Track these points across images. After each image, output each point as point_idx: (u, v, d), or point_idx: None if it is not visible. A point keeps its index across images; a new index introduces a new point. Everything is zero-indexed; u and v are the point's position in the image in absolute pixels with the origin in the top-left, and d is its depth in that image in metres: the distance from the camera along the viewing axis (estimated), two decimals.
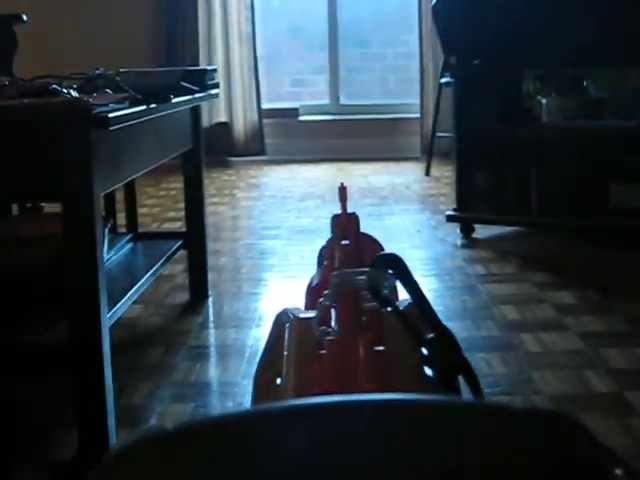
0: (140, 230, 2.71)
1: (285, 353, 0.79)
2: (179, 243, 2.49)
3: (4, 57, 3.03)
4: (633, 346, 2.09)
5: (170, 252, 2.39)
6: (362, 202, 4.10)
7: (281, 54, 6.04)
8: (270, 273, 2.90)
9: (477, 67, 3.26)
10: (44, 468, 1.59)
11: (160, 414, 1.79)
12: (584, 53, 3.06)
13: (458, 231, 3.34)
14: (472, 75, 3.29)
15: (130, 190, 2.70)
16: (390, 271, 0.75)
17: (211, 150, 4.95)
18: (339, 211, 1.17)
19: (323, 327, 0.74)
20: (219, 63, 5.51)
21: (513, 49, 3.14)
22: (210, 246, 2.79)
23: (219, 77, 5.30)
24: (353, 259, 0.98)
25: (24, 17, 3.12)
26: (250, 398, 0.85)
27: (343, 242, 1.03)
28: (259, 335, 2.22)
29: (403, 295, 0.81)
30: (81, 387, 1.56)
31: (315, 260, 1.28)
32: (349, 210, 1.16)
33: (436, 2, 3.34)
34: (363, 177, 4.94)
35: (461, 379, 0.71)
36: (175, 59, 5.44)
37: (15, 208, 2.46)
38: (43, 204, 2.69)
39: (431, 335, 0.70)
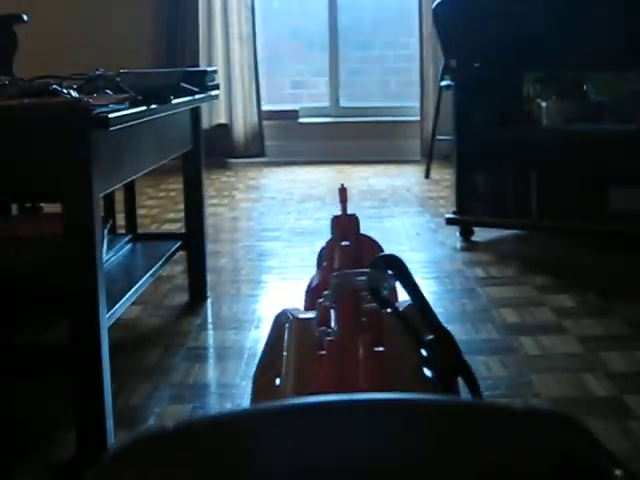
0: (139, 231, 2.71)
1: (284, 353, 0.79)
2: (178, 244, 2.49)
3: (4, 57, 3.03)
4: (633, 349, 2.09)
5: (169, 253, 2.39)
6: (362, 204, 4.10)
7: (281, 56, 6.05)
8: (269, 275, 2.90)
9: (477, 70, 3.26)
10: (43, 468, 1.59)
11: (158, 415, 1.79)
12: (584, 56, 3.06)
13: (458, 234, 3.34)
14: (472, 78, 3.29)
15: (130, 191, 2.70)
16: (390, 272, 0.75)
17: (211, 151, 4.95)
18: (339, 212, 1.17)
19: (323, 328, 0.74)
20: (219, 64, 5.51)
21: (513, 52, 3.15)
22: (209, 247, 2.79)
23: (219, 78, 5.30)
24: (353, 260, 0.98)
25: (24, 17, 3.12)
26: (249, 399, 0.85)
27: (343, 243, 1.03)
28: (258, 337, 2.22)
29: (403, 296, 0.81)
30: (80, 387, 1.55)
31: (314, 262, 1.28)
32: (349, 211, 1.16)
33: (436, 5, 3.34)
34: (363, 179, 4.94)
35: (460, 381, 0.71)
36: (175, 60, 5.44)
37: (15, 208, 2.46)
38: (42, 204, 2.69)
39: (431, 336, 0.70)
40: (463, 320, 2.33)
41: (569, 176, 3.13)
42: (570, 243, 3.22)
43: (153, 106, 1.77)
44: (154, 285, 2.57)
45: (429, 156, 4.97)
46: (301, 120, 5.79)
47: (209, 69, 2.50)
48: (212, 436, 0.44)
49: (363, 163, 5.49)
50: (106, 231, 2.14)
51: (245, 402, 1.83)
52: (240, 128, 5.63)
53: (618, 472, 0.43)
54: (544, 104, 3.28)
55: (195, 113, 2.44)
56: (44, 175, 1.52)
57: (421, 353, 0.70)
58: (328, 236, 1.21)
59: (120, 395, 1.86)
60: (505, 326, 2.28)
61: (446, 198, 4.18)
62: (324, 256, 1.13)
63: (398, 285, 0.77)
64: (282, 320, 0.86)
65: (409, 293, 0.74)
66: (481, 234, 3.33)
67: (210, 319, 2.43)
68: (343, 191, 1.18)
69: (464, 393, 0.71)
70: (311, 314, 0.83)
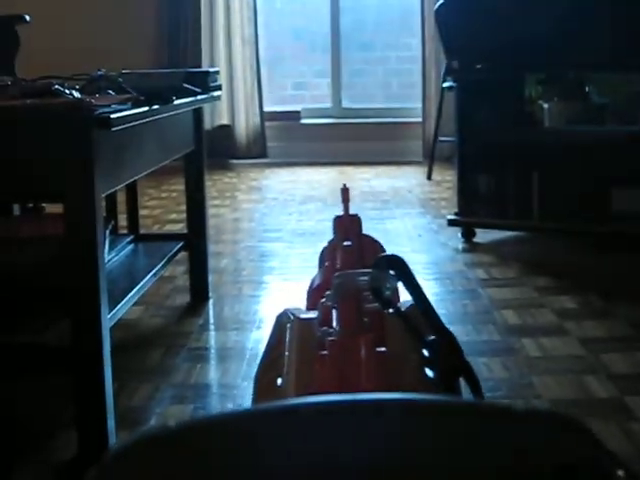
0: (141, 232, 2.71)
1: (286, 353, 0.79)
2: (180, 245, 2.49)
3: (6, 57, 3.04)
4: (634, 351, 2.09)
5: (171, 254, 2.39)
6: (364, 206, 4.10)
7: (284, 57, 6.05)
8: (271, 276, 2.90)
9: (479, 71, 3.26)
10: (44, 468, 1.59)
11: (160, 415, 1.79)
12: (586, 57, 3.06)
13: (459, 235, 3.34)
14: (474, 79, 3.29)
15: (132, 191, 2.70)
16: (392, 272, 0.74)
17: (213, 152, 4.94)
18: (341, 212, 1.17)
19: (325, 328, 0.74)
20: (221, 65, 5.51)
21: (515, 54, 3.15)
22: (211, 248, 2.79)
23: (221, 79, 5.31)
24: (355, 260, 0.97)
25: (27, 17, 3.13)
26: (251, 399, 0.85)
27: (345, 243, 1.03)
28: (259, 337, 2.22)
29: (405, 296, 0.81)
30: (81, 387, 1.55)
31: (316, 263, 1.28)
32: (351, 212, 1.16)
33: (439, 6, 3.34)
34: (365, 181, 4.95)
35: (462, 381, 0.71)
36: (177, 61, 5.45)
37: (17, 208, 2.46)
38: (44, 205, 2.69)
39: (432, 337, 0.70)
40: (464, 321, 2.33)
41: (571, 177, 3.13)
42: (572, 244, 3.22)
43: (155, 107, 1.78)
44: (156, 285, 2.57)
45: (431, 157, 4.97)
46: (303, 121, 5.80)
47: (211, 70, 2.50)
48: (213, 436, 0.44)
49: (365, 164, 5.49)
50: (108, 231, 2.14)
51: (246, 402, 1.83)
52: (242, 129, 5.63)
53: (620, 473, 0.43)
54: (546, 105, 3.28)
55: (197, 114, 2.44)
56: (46, 175, 1.52)
57: (423, 353, 0.70)
58: (330, 237, 1.21)
59: (121, 395, 1.86)
60: (506, 327, 2.28)
61: (448, 199, 4.18)
62: (326, 256, 1.13)
63: (400, 285, 0.77)
64: (284, 320, 0.86)
65: (411, 293, 0.74)
66: (483, 235, 3.33)
67: (212, 320, 2.43)
68: (345, 191, 1.18)
69: (466, 394, 0.71)
70: (313, 314, 0.83)
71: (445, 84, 4.47)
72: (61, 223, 1.53)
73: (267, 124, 5.65)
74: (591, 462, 0.43)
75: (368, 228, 1.24)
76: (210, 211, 3.21)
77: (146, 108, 1.71)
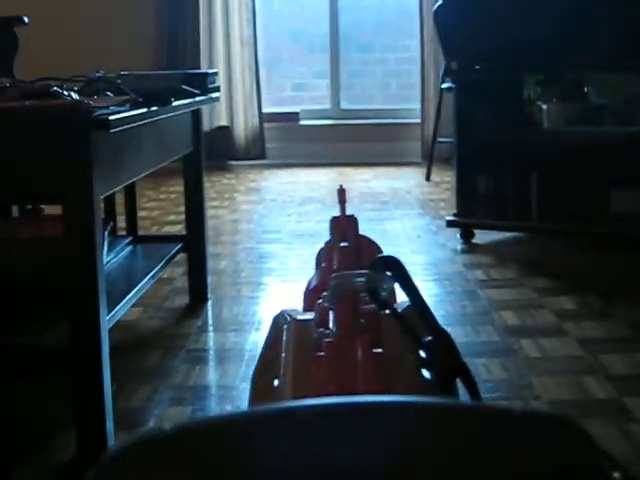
0: (140, 233, 2.71)
1: (283, 355, 0.79)
2: (179, 246, 2.49)
3: (5, 59, 3.03)
4: (633, 352, 2.09)
5: (170, 255, 2.39)
6: (362, 207, 4.10)
7: (282, 58, 6.05)
8: (270, 277, 2.90)
9: (478, 72, 3.26)
10: (43, 469, 1.59)
11: (158, 417, 1.79)
12: (585, 58, 3.06)
13: (458, 236, 3.34)
14: (473, 80, 3.29)
15: (130, 193, 2.70)
16: (389, 273, 0.74)
17: (212, 154, 4.95)
18: (338, 213, 1.17)
19: (321, 329, 0.73)
20: (220, 66, 5.52)
21: (514, 55, 3.15)
22: (210, 250, 2.79)
23: (220, 81, 5.31)
24: (351, 261, 0.97)
25: (25, 19, 3.13)
26: (248, 400, 0.85)
27: (342, 244, 1.03)
28: (258, 339, 2.22)
29: (401, 297, 0.81)
30: (80, 389, 1.55)
31: (314, 264, 1.28)
32: (348, 213, 1.16)
33: (437, 7, 3.34)
34: (364, 182, 4.95)
35: (459, 383, 0.71)
36: (176, 62, 5.45)
37: (15, 210, 2.46)
38: (43, 206, 2.69)
39: (429, 338, 0.70)
40: (463, 322, 2.33)
41: (570, 178, 3.13)
42: (571, 245, 3.22)
43: (154, 108, 1.78)
44: (154, 287, 2.57)
45: (430, 158, 4.97)
46: (302, 122, 5.80)
47: (210, 71, 2.50)
48: (210, 439, 0.44)
49: (364, 165, 5.49)
50: (107, 233, 2.14)
51: (245, 404, 1.83)
52: (241, 130, 5.64)
53: (617, 475, 0.43)
54: (545, 106, 3.28)
55: (196, 115, 2.44)
56: (45, 177, 1.52)
57: (420, 355, 0.70)
58: (327, 238, 1.20)
59: (120, 397, 1.86)
60: (505, 328, 2.28)
61: (447, 200, 4.18)
62: (323, 257, 1.13)
63: (397, 286, 0.77)
64: (280, 321, 0.86)
65: (408, 294, 0.74)
66: (482, 236, 3.33)
67: (210, 321, 2.43)
68: (342, 192, 1.18)
69: (463, 395, 0.71)
70: (310, 315, 0.83)
71: (444, 85, 4.48)
72: (60, 225, 1.53)
73: (266, 125, 5.65)
74: (588, 464, 0.43)
75: (367, 229, 1.25)
76: (209, 212, 3.21)
77: (144, 110, 1.71)
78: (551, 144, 3.20)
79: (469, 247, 3.26)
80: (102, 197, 1.61)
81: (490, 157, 3.27)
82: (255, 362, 0.86)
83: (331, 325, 0.73)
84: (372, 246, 1.20)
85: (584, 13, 3.05)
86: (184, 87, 2.13)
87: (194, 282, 2.60)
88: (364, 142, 5.67)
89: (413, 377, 0.70)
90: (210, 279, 2.65)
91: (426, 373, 0.69)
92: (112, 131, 1.49)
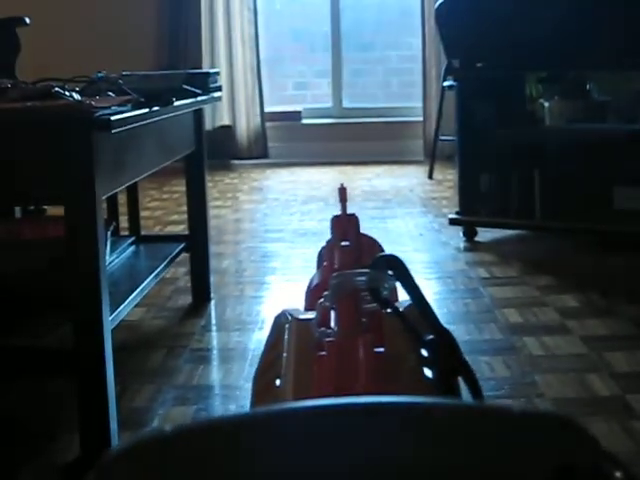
0: (143, 233, 2.72)
1: (284, 354, 0.79)
2: (182, 246, 2.50)
3: (6, 60, 3.04)
4: (637, 349, 2.08)
5: (173, 255, 2.39)
6: (365, 205, 4.10)
7: (284, 57, 6.05)
8: (273, 276, 2.90)
9: (480, 70, 3.26)
10: (46, 470, 1.59)
11: (162, 417, 1.79)
12: (587, 56, 3.06)
13: (461, 234, 3.34)
14: (475, 78, 3.29)
15: (133, 193, 2.70)
16: (390, 272, 0.74)
17: (214, 153, 4.95)
18: (339, 212, 1.17)
19: (323, 328, 0.73)
20: (222, 66, 5.52)
21: (516, 52, 3.14)
22: (213, 249, 2.79)
23: (222, 80, 5.31)
24: (353, 260, 0.97)
25: (27, 20, 3.13)
26: (249, 399, 0.85)
27: (343, 243, 1.03)
28: (261, 338, 2.22)
29: (403, 296, 0.81)
30: (84, 389, 1.56)
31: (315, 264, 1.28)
32: (350, 211, 1.16)
33: (439, 5, 3.34)
34: (366, 180, 4.95)
35: (461, 381, 0.71)
36: (178, 62, 5.45)
37: (18, 211, 2.46)
38: (46, 207, 2.69)
39: (431, 337, 0.70)
40: (466, 320, 2.33)
41: (572, 176, 3.12)
42: (574, 243, 3.21)
43: (155, 108, 1.78)
44: (157, 287, 2.57)
45: (432, 156, 4.97)
46: (304, 121, 5.80)
47: (211, 71, 2.50)
48: (212, 439, 0.44)
49: (366, 164, 5.49)
50: (109, 233, 2.15)
51: (248, 404, 1.83)
52: (243, 130, 5.64)
53: (618, 474, 0.43)
54: (547, 104, 3.28)
55: (198, 115, 2.45)
56: (46, 178, 1.52)
57: (421, 353, 0.70)
58: (329, 237, 1.20)
59: (124, 397, 1.86)
60: (508, 326, 2.28)
61: (449, 198, 4.18)
62: (324, 256, 1.13)
63: (398, 285, 0.77)
64: (282, 321, 0.86)
65: (409, 293, 0.74)
66: (484, 234, 3.33)
67: (214, 320, 2.43)
68: (343, 191, 1.18)
69: (465, 394, 0.71)
70: (311, 315, 0.83)
71: (445, 83, 4.47)
72: (62, 225, 1.53)
73: (268, 124, 5.65)
74: (589, 463, 0.43)
75: (370, 227, 1.24)
76: (211, 212, 3.21)
77: (146, 110, 1.71)
78: (553, 142, 3.20)
79: (472, 245, 3.26)
80: (104, 197, 1.61)
81: (492, 155, 3.27)
82: (257, 362, 0.86)
83: (332, 324, 0.73)
84: (373, 245, 1.20)
85: (586, 11, 3.05)
86: (186, 87, 2.13)
87: (197, 282, 2.60)
88: (366, 141, 5.66)
89: (415, 376, 0.70)
90: (213, 278, 2.65)
91: (428, 372, 0.69)
92: (114, 131, 1.49)
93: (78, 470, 1.57)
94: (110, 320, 1.61)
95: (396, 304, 0.80)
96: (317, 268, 1.19)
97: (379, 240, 1.28)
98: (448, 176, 4.88)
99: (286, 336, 0.82)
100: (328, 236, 1.19)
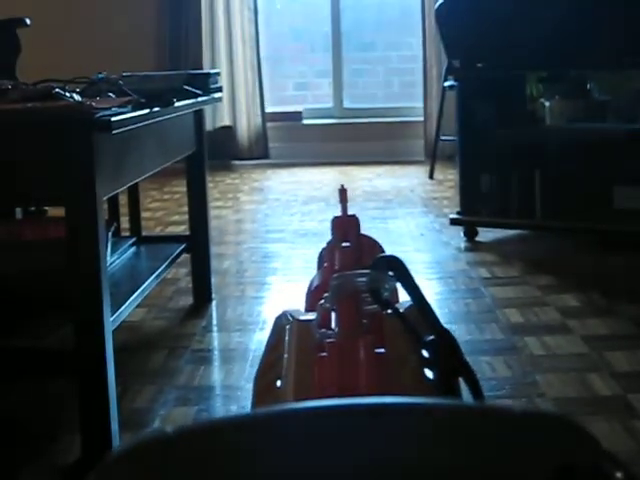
0: (144, 234, 2.72)
1: (285, 355, 0.79)
2: (182, 247, 2.50)
3: (7, 61, 3.04)
4: (637, 349, 2.08)
5: (174, 255, 2.39)
6: (366, 205, 4.10)
7: (284, 57, 6.05)
8: (274, 276, 2.90)
9: (480, 70, 3.26)
10: (48, 471, 1.59)
11: (163, 417, 1.79)
12: (587, 55, 3.06)
13: (462, 234, 3.34)
14: (475, 78, 3.29)
15: (134, 194, 2.70)
16: (390, 273, 0.74)
17: (215, 154, 4.95)
18: (339, 213, 1.17)
19: (323, 329, 0.74)
20: (222, 66, 5.52)
21: (516, 52, 3.14)
22: (214, 250, 2.79)
23: (223, 80, 5.31)
24: (353, 261, 0.97)
25: (27, 21, 3.13)
26: (250, 400, 0.85)
27: (343, 244, 1.03)
28: (263, 339, 2.22)
29: (404, 297, 0.81)
30: (85, 390, 1.56)
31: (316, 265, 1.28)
32: (351, 212, 1.16)
33: (439, 5, 3.34)
34: (367, 180, 4.95)
35: (462, 382, 0.71)
36: (178, 63, 5.45)
37: (19, 212, 2.46)
38: (46, 208, 2.69)
39: (431, 337, 0.70)
40: (467, 320, 2.33)
41: (573, 176, 3.12)
42: (574, 243, 3.21)
43: (156, 109, 1.78)
44: (158, 287, 2.57)
45: (433, 156, 4.97)
46: (305, 121, 5.80)
47: (212, 71, 2.50)
48: (213, 440, 0.44)
49: (367, 164, 5.49)
50: (110, 234, 2.15)
51: (250, 405, 1.83)
52: (244, 130, 5.64)
53: (619, 474, 0.43)
54: (547, 104, 3.28)
55: (198, 115, 2.45)
56: (47, 179, 1.52)
57: (422, 354, 0.70)
58: (330, 238, 1.20)
59: (125, 398, 1.86)
60: (509, 326, 2.28)
61: (450, 198, 4.18)
62: (324, 257, 1.13)
63: (399, 286, 0.77)
64: (283, 322, 0.86)
65: (409, 294, 0.74)
66: (485, 234, 3.33)
67: (215, 321, 2.44)
68: (343, 192, 1.18)
69: (466, 394, 0.71)
70: (312, 316, 0.83)
71: (446, 83, 4.47)
72: (63, 226, 1.53)
73: (269, 125, 5.65)
74: (590, 463, 0.43)
75: (371, 228, 1.25)
76: (212, 212, 3.21)
77: (147, 110, 1.71)
78: (554, 141, 3.20)
79: (473, 245, 3.26)
80: (105, 198, 1.61)
81: (493, 155, 3.27)
82: (258, 363, 0.86)
83: (333, 325, 0.73)
84: (374, 246, 1.20)
85: (585, 10, 3.05)
86: (186, 87, 2.13)
87: (198, 282, 2.60)
88: (367, 141, 5.67)
89: (415, 377, 0.70)
90: (214, 279, 2.65)
91: (428, 373, 0.69)
92: (114, 132, 1.49)
93: (79, 471, 1.57)
94: (111, 321, 1.61)
95: (396, 305, 0.80)
96: (317, 269, 1.19)
97: (380, 240, 1.28)
98: (449, 176, 4.88)
99: (287, 337, 0.82)
100: (329, 237, 1.19)
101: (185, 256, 2.56)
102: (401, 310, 0.77)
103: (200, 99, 2.22)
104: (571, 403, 1.79)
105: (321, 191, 4.61)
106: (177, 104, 1.95)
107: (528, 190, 3.18)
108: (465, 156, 3.33)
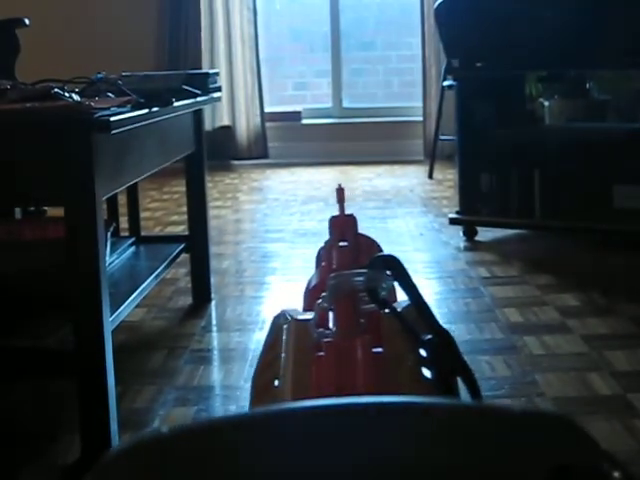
0: (143, 234, 2.72)
1: (283, 355, 0.79)
2: (182, 246, 2.50)
3: (6, 61, 3.04)
4: (637, 348, 2.08)
5: (173, 255, 2.39)
6: (365, 205, 4.10)
7: (284, 57, 6.05)
8: (273, 276, 2.90)
9: (479, 70, 3.26)
10: (47, 471, 1.59)
11: (163, 418, 1.79)
12: (587, 55, 3.06)
13: (461, 234, 3.34)
14: (474, 78, 3.29)
15: (133, 194, 2.70)
16: (388, 272, 0.74)
17: (214, 154, 4.95)
18: (337, 212, 1.17)
19: (321, 329, 0.73)
20: (222, 66, 5.52)
21: (515, 52, 3.14)
22: (213, 249, 2.79)
23: (222, 80, 5.31)
24: (351, 260, 0.97)
25: (26, 21, 3.13)
26: (248, 399, 0.85)
27: (341, 243, 1.03)
28: (262, 338, 2.21)
29: (401, 296, 0.81)
30: (84, 390, 1.56)
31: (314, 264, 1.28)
32: (349, 212, 1.16)
33: (438, 5, 3.34)
34: (366, 180, 4.95)
35: (460, 381, 0.71)
36: (177, 62, 5.45)
37: (18, 212, 2.46)
38: (46, 208, 2.69)
39: (429, 336, 0.70)
40: (467, 320, 2.33)
41: (573, 175, 3.12)
42: (574, 242, 3.21)
43: (155, 109, 1.78)
44: (158, 287, 2.57)
45: (432, 156, 4.97)
46: (304, 121, 5.80)
47: (211, 71, 2.50)
48: (211, 440, 0.44)
49: (366, 164, 5.49)
50: (109, 234, 2.15)
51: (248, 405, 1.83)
52: (243, 130, 5.64)
53: (617, 474, 0.43)
54: (547, 103, 3.28)
55: (198, 115, 2.45)
56: (46, 179, 1.52)
57: (420, 354, 0.70)
58: (328, 237, 1.20)
59: (124, 398, 1.86)
60: (509, 326, 2.28)
61: (449, 198, 4.18)
62: (322, 256, 1.13)
63: (396, 285, 0.77)
64: (280, 321, 0.86)
65: (407, 293, 0.74)
66: (485, 234, 3.33)
67: (214, 321, 2.44)
68: (340, 191, 1.18)
69: (464, 394, 0.71)
70: (309, 315, 0.83)
71: (445, 83, 4.47)
72: (62, 226, 1.53)
73: (268, 125, 5.65)
74: (588, 463, 0.43)
75: (370, 227, 1.25)
76: (211, 212, 3.21)
77: (146, 110, 1.71)
78: (553, 141, 3.20)
79: (472, 245, 3.26)
80: (104, 198, 1.61)
81: (492, 154, 3.27)
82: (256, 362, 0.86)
83: (331, 325, 0.73)
84: (371, 245, 1.20)
85: (586, 10, 3.05)
86: (185, 87, 2.13)
87: (197, 282, 2.60)
88: (366, 140, 5.67)
89: (413, 376, 0.70)
90: (213, 279, 2.65)
91: (426, 372, 0.69)
92: (113, 132, 1.49)
93: (79, 471, 1.57)
94: (110, 321, 1.61)
95: (394, 304, 0.80)
96: (316, 268, 1.19)
97: (379, 240, 1.28)
98: (448, 176, 4.88)
99: (284, 336, 0.82)
100: (328, 236, 1.19)
101: (184, 256, 2.56)
102: (399, 309, 0.77)
103: (199, 99, 2.22)
104: (571, 403, 1.79)
105: (320, 191, 4.61)
106: (176, 104, 1.95)
107: (528, 190, 3.18)
108: (464, 156, 3.33)
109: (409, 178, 5.00)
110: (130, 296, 1.91)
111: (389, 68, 5.96)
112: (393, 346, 0.73)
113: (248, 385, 1.92)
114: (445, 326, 0.72)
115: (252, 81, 5.59)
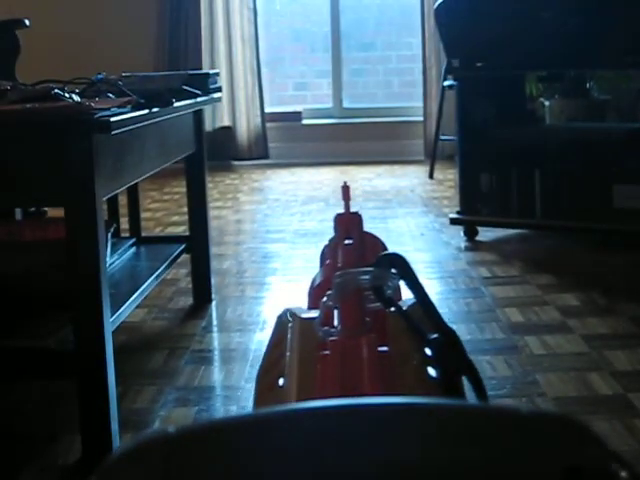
0: (143, 234, 2.72)
1: (287, 353, 0.78)
2: (182, 247, 2.49)
3: (6, 62, 3.04)
4: (638, 348, 2.08)
5: (173, 256, 2.39)
6: (366, 205, 4.10)
7: (284, 58, 6.05)
8: (274, 277, 2.90)
9: (480, 70, 3.26)
10: (48, 471, 1.59)
11: (163, 418, 1.79)
12: (587, 55, 3.06)
13: (462, 234, 3.34)
14: (475, 78, 3.29)
15: (133, 194, 2.70)
16: (393, 271, 0.74)
17: (214, 154, 4.95)
18: (342, 210, 1.17)
19: (326, 327, 0.73)
20: (222, 67, 5.52)
21: (516, 51, 3.14)
22: (214, 250, 2.79)
23: (222, 81, 5.31)
24: (356, 258, 0.97)
25: (26, 22, 3.13)
26: (252, 399, 0.85)
27: (346, 241, 1.02)
28: (263, 339, 2.22)
29: (407, 295, 0.81)
30: (85, 391, 1.55)
31: (318, 262, 1.28)
32: (352, 210, 1.16)
33: (438, 5, 3.34)
34: (367, 180, 4.94)
35: (465, 380, 0.70)
36: (178, 63, 5.45)
37: (18, 213, 2.46)
38: (46, 209, 2.69)
39: (435, 335, 0.70)
40: (467, 320, 2.33)
41: (573, 175, 3.12)
42: (574, 242, 3.21)
43: (155, 109, 1.77)
44: (158, 288, 2.57)
45: (432, 156, 4.97)
46: (304, 122, 5.80)
47: (211, 71, 2.50)
48: (215, 441, 0.43)
49: (367, 164, 5.49)
50: (110, 235, 2.14)
51: (250, 404, 1.82)
52: (243, 130, 5.64)
53: (624, 474, 0.42)
54: (547, 103, 3.28)
55: (198, 116, 2.44)
56: (46, 179, 1.52)
57: (425, 352, 0.70)
58: (332, 236, 1.20)
59: (125, 398, 1.86)
60: (510, 325, 2.28)
61: (450, 198, 4.18)
62: (327, 254, 1.13)
63: (402, 284, 0.76)
64: (285, 320, 0.86)
65: (413, 292, 0.73)
66: (485, 234, 3.33)
67: (215, 321, 2.43)
68: (346, 189, 1.17)
69: (469, 393, 0.70)
70: (314, 313, 0.82)
71: (446, 83, 4.47)
72: (63, 227, 1.53)
73: (268, 125, 5.65)
74: (596, 464, 0.43)
75: (371, 228, 1.24)
76: (212, 213, 3.21)
77: (146, 111, 1.71)
78: (554, 140, 3.20)
79: (473, 245, 3.26)
80: (105, 199, 1.60)
81: (493, 154, 3.27)
82: (260, 362, 0.86)
83: (336, 323, 0.73)
84: (377, 243, 1.20)
85: (586, 10, 3.04)
86: (185, 88, 2.13)
87: (198, 282, 2.60)
88: (367, 141, 5.67)
89: (419, 375, 0.70)
90: (214, 279, 2.65)
91: (432, 371, 0.69)
92: (114, 133, 1.49)
93: (79, 471, 1.57)
94: (111, 321, 1.61)
95: (400, 303, 0.80)
96: (320, 266, 1.18)
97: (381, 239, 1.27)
98: (449, 176, 4.88)
99: (289, 335, 0.82)
100: (329, 236, 1.19)
101: (185, 256, 2.56)
102: (404, 308, 0.76)
103: (199, 99, 2.21)
104: (571, 402, 1.79)
105: (321, 191, 4.61)
106: (176, 104, 1.95)
107: (528, 189, 3.18)
108: (465, 156, 3.33)
109: (410, 178, 5.00)
110: (131, 297, 1.91)
111: (389, 68, 5.96)
112: (398, 345, 0.73)
113: (249, 385, 1.92)
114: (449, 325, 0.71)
115: (252, 81, 5.59)
